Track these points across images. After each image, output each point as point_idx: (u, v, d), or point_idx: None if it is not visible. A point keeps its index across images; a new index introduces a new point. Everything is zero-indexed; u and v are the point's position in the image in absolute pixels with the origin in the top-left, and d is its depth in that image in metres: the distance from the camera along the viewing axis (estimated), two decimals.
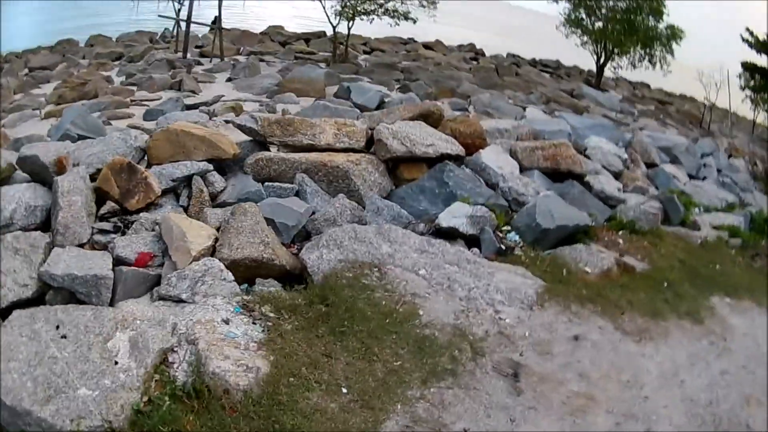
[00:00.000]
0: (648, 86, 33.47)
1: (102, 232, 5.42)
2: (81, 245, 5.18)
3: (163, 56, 24.30)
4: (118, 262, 4.92)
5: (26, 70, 25.33)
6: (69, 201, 5.26)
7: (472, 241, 6.19)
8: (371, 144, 7.55)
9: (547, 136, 9.76)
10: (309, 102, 15.02)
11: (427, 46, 31.75)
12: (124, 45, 29.91)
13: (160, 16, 25.30)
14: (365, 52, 28.96)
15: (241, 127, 7.54)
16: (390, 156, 7.19)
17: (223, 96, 17.02)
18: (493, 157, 7.82)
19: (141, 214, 5.74)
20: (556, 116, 13.36)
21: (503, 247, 6.18)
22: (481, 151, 7.91)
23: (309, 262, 5.00)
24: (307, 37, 29.62)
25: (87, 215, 5.44)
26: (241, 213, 5.30)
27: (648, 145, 11.61)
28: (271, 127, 7.27)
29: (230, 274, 4.65)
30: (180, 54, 24.36)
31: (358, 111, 11.14)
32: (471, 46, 33.48)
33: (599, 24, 27.10)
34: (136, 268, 4.77)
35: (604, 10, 26.75)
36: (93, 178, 6.07)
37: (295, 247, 5.67)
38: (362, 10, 24.12)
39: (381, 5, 24.16)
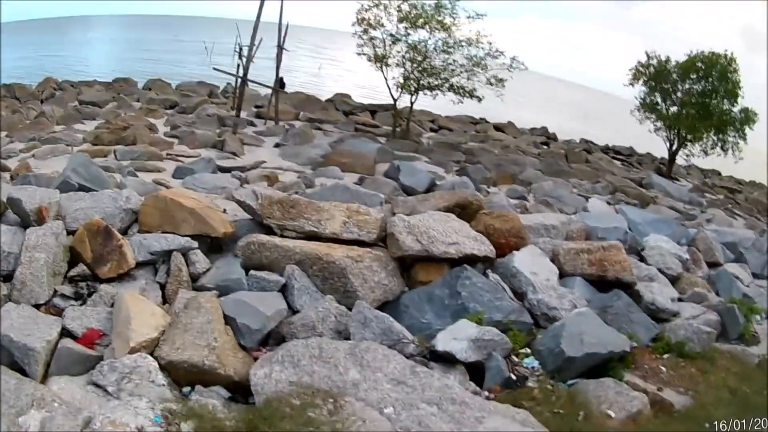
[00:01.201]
0: (719, 174, 34.71)
1: (63, 296, 5.83)
2: (38, 305, 5.60)
3: (215, 112, 25.94)
4: (66, 333, 5.26)
5: (76, 102, 27.28)
6: (31, 257, 5.74)
7: (476, 369, 5.94)
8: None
9: (601, 235, 9.68)
10: (354, 178, 15.76)
11: (497, 127, 33.24)
12: (181, 94, 32.17)
13: (214, 68, 26.91)
14: (432, 130, 30.26)
15: (241, 203, 7.77)
16: (402, 254, 7.15)
17: (264, 162, 18.04)
18: (528, 260, 7.62)
19: (102, 285, 6.11)
20: (618, 209, 13.32)
21: (514, 376, 5.90)
22: (515, 252, 7.74)
23: (254, 379, 4.96)
24: (373, 109, 31.17)
25: (51, 275, 5.90)
26: (194, 307, 5.48)
27: (712, 241, 11.40)
28: (272, 207, 7.48)
29: (161, 376, 4.81)
30: (234, 112, 25.81)
31: (382, 197, 11.28)
32: (543, 130, 34.93)
33: (674, 109, 28.63)
34: (73, 347, 5.05)
35: (679, 94, 28.24)
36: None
37: (264, 351, 5.74)
38: (425, 84, 25.15)
39: (446, 80, 25.13)
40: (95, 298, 5.93)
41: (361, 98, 35.59)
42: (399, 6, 24.78)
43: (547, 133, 34.13)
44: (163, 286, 6.66)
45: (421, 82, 25.05)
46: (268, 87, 26.85)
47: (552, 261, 7.96)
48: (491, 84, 24.88)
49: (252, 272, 6.80)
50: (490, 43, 24.61)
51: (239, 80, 25.75)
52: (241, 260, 7.07)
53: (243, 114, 26.60)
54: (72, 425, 4.01)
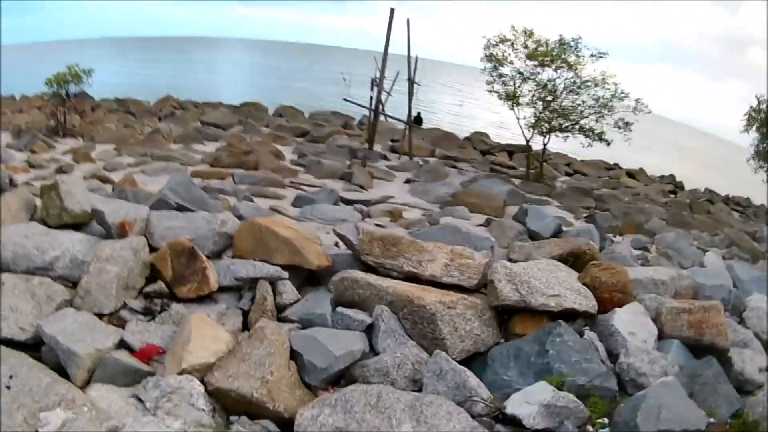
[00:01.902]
0: None
1: (131, 310, 6.04)
2: (101, 315, 5.88)
3: (347, 143, 26.67)
4: (123, 345, 5.46)
5: (198, 123, 28.92)
6: (100, 268, 6.06)
7: None
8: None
9: (707, 293, 9.04)
10: (481, 219, 15.83)
11: (630, 173, 33.48)
12: (313, 123, 33.41)
13: (345, 99, 27.86)
14: (567, 174, 30.64)
15: (342, 238, 7.98)
16: (499, 303, 7.01)
17: (392, 197, 18.33)
18: (628, 318, 7.32)
19: (174, 305, 6.33)
20: (727, 265, 12.43)
21: None
22: (617, 310, 7.45)
23: (299, 419, 4.92)
24: (511, 149, 31.61)
25: (123, 287, 6.17)
26: (258, 337, 5.53)
27: None
28: (371, 244, 7.60)
29: (203, 401, 4.86)
30: (367, 145, 26.43)
31: (492, 240, 11.01)
32: (671, 178, 34.99)
33: None
34: (121, 358, 5.18)
35: None
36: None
37: (331, 391, 5.69)
38: (556, 126, 25.41)
39: (575, 122, 25.26)
40: (164, 316, 6.13)
41: (499, 137, 36.49)
42: (525, 42, 25.23)
43: (675, 182, 34.19)
44: (246, 314, 6.80)
45: (552, 123, 25.30)
46: (401, 121, 27.42)
47: (654, 320, 7.60)
48: (618, 127, 24.84)
49: (339, 309, 6.81)
50: (616, 84, 24.67)
51: (372, 112, 26.54)
52: (332, 296, 7.12)
53: (377, 147, 27.27)
54: (94, 430, 4.14)
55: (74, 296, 5.99)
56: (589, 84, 24.75)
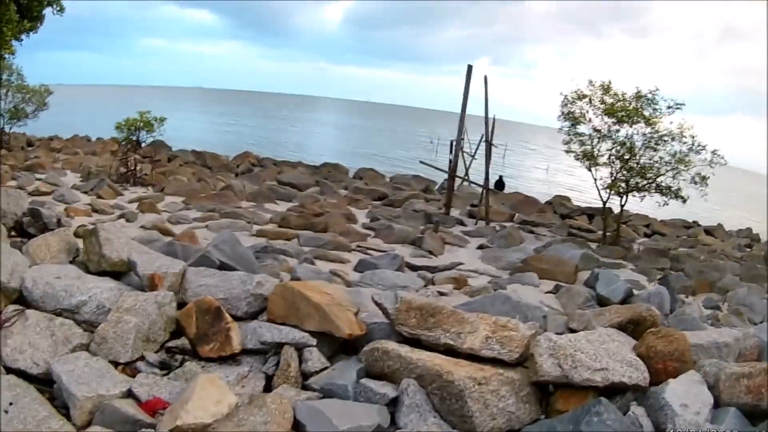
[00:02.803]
0: None
1: (148, 363, 6.27)
2: (116, 363, 6.16)
3: (423, 208, 27.01)
4: (130, 394, 5.69)
5: (274, 182, 29.79)
6: (119, 318, 6.38)
7: None
8: None
9: None
10: (550, 286, 15.83)
11: (708, 231, 33.75)
12: (393, 186, 33.99)
13: (421, 162, 28.24)
14: (645, 235, 30.75)
15: (379, 305, 7.88)
16: (538, 379, 6.81)
17: (461, 264, 18.40)
18: (682, 390, 6.80)
19: (188, 363, 6.53)
20: None
21: None
22: (670, 381, 6.97)
23: None
24: (591, 213, 32.01)
25: (143, 339, 6.45)
26: (257, 404, 5.58)
27: None
28: (408, 313, 7.50)
29: None
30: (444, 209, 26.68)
31: (546, 310, 10.75)
32: (748, 231, 35.29)
33: None
34: (120, 407, 5.34)
35: None
36: None
37: None
38: (634, 185, 25.41)
39: (653, 180, 25.17)
40: (178, 372, 6.31)
41: (580, 201, 37.47)
42: (602, 98, 25.44)
43: (752, 235, 34.41)
44: (270, 378, 6.88)
45: (630, 182, 25.40)
46: (479, 186, 27.65)
47: (712, 388, 7.10)
48: (695, 182, 24.74)
49: (363, 380, 6.80)
50: (693, 137, 24.55)
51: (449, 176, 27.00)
52: (362, 366, 7.10)
53: (455, 212, 27.60)
54: None
55: (90, 340, 6.34)
56: (666, 139, 24.73)
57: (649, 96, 24.91)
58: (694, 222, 35.96)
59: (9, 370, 5.77)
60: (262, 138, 51.95)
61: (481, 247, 21.50)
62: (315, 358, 7.11)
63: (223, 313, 6.96)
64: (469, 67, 26.78)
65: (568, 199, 36.58)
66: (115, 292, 7.02)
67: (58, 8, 22.20)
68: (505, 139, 26.87)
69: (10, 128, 38.20)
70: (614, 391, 6.80)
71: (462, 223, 25.91)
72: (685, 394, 6.82)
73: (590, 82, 26.08)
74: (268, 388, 6.82)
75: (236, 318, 7.54)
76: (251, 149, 40.72)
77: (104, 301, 6.81)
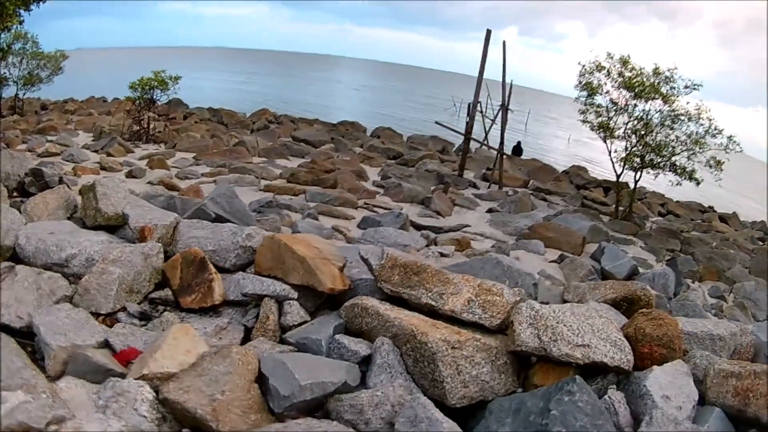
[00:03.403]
0: None
1: (129, 314, 6.47)
2: (97, 314, 6.35)
3: (436, 168, 27.00)
4: (107, 345, 5.85)
5: (289, 138, 29.89)
6: (103, 269, 6.56)
7: None
8: None
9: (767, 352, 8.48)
10: (555, 255, 16.03)
11: (722, 218, 33.60)
12: (410, 146, 33.84)
13: (437, 122, 28.20)
14: (660, 214, 30.79)
15: (365, 261, 7.81)
16: (515, 348, 6.58)
17: (468, 226, 18.57)
18: (666, 380, 6.45)
19: (167, 313, 6.71)
20: None
21: None
22: (655, 368, 6.61)
23: None
24: (608, 186, 31.87)
25: (125, 291, 6.64)
26: (223, 355, 5.61)
27: None
28: (393, 270, 7.46)
29: (146, 407, 5.05)
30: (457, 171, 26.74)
31: (537, 277, 10.48)
32: (762, 224, 35.15)
33: None
34: (92, 356, 5.52)
35: None
36: None
37: (300, 421, 5.55)
38: (648, 162, 25.29)
39: (668, 158, 25.07)
40: (155, 323, 6.48)
41: (598, 173, 37.65)
42: (621, 71, 25.31)
43: (765, 228, 34.18)
44: (249, 330, 6.99)
45: (645, 158, 25.26)
46: (494, 149, 27.67)
47: (699, 382, 6.75)
48: (710, 166, 24.60)
49: (337, 336, 6.78)
50: (710, 120, 24.33)
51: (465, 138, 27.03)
52: (341, 322, 7.11)
53: (470, 175, 27.59)
54: (40, 416, 4.47)
55: (74, 292, 6.50)
56: (683, 118, 24.65)
57: (668, 74, 24.79)
58: (710, 207, 35.97)
59: None
60: (281, 96, 51.90)
61: (490, 210, 21.60)
62: (294, 312, 7.16)
63: (207, 264, 7.08)
64: (488, 32, 26.62)
65: (585, 170, 36.55)
66: (105, 245, 7.18)
67: None
68: (528, 107, 26.76)
69: (24, 94, 38.78)
70: (595, 370, 6.57)
71: (475, 186, 26.06)
72: (669, 385, 6.49)
73: (608, 54, 25.92)
74: (246, 340, 6.90)
75: (224, 270, 7.69)
76: (270, 107, 40.64)
77: (94, 254, 6.97)
